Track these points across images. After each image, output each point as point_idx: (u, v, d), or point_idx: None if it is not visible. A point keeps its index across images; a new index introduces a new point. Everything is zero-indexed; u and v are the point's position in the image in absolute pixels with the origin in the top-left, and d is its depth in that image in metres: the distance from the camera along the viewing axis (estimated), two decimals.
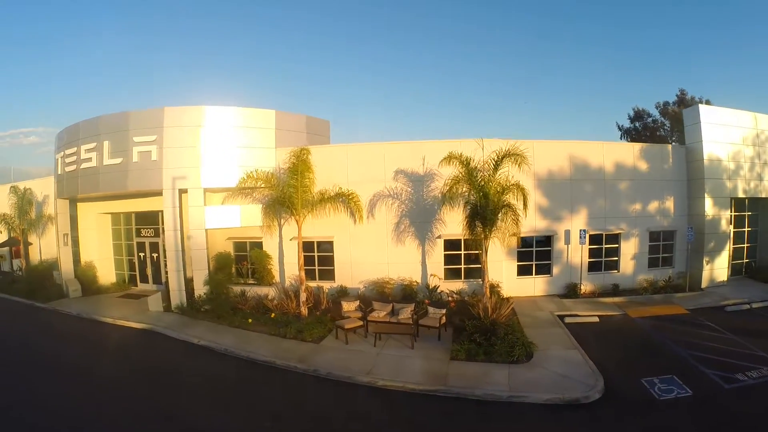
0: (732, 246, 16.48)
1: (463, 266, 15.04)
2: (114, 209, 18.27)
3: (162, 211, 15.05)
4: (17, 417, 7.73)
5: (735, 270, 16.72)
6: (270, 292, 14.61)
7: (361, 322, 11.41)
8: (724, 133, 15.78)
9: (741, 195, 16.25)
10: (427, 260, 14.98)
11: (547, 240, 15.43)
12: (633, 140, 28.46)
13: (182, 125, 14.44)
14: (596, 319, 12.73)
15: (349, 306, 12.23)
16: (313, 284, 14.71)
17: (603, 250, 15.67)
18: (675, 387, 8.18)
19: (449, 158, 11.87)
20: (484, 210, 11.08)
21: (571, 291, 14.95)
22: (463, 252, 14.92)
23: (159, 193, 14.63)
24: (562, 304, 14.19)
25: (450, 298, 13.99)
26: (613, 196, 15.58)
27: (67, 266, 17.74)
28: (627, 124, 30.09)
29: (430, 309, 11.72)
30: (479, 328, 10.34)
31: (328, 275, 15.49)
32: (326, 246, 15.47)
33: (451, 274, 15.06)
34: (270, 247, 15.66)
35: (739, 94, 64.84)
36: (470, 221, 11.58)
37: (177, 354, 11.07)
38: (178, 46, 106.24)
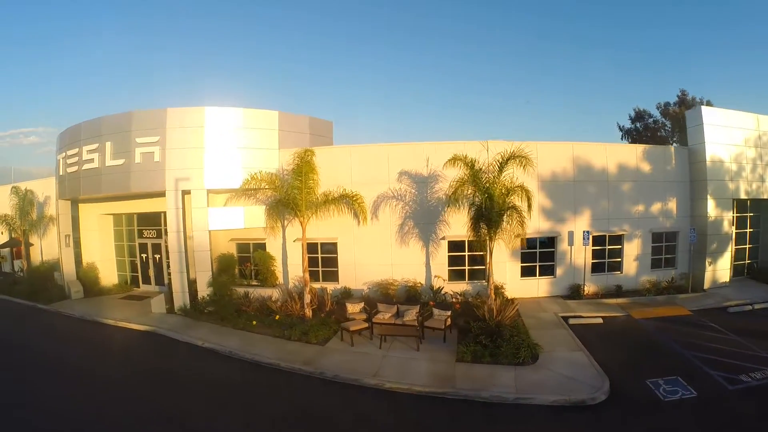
0: (734, 247, 16.54)
1: (467, 267, 15.06)
2: (116, 210, 18.23)
3: (164, 212, 15.02)
4: (20, 419, 7.73)
5: (737, 271, 16.79)
6: (273, 293, 14.60)
7: (366, 324, 11.42)
8: (726, 134, 15.83)
9: (743, 196, 16.29)
10: (431, 262, 14.99)
11: (550, 241, 15.45)
12: (634, 141, 28.51)
13: (185, 126, 14.41)
14: (600, 321, 12.76)
15: (353, 308, 12.23)
16: (316, 286, 14.70)
17: (606, 251, 15.70)
18: (680, 388, 8.22)
19: (454, 160, 11.88)
20: (490, 212, 11.08)
21: (574, 292, 14.98)
22: (467, 253, 14.93)
23: (161, 195, 14.60)
24: (566, 305, 14.22)
25: (454, 300, 13.99)
26: (616, 198, 15.61)
27: (69, 267, 17.70)
28: (628, 124, 30.14)
29: (436, 311, 11.73)
30: (485, 330, 10.36)
31: (332, 276, 15.49)
32: (329, 247, 15.46)
33: (455, 275, 15.08)
34: (273, 248, 15.65)
35: (740, 95, 65.06)
36: (475, 223, 11.58)
37: (181, 356, 11.05)
38: (178, 46, 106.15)
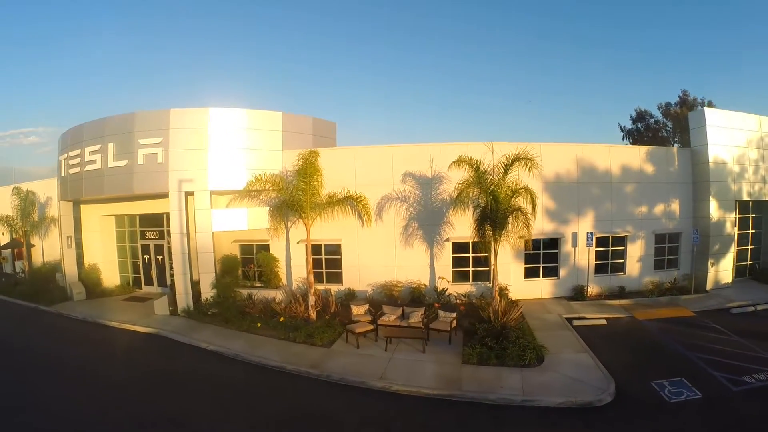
0: (736, 248, 16.58)
1: (470, 269, 15.08)
2: (118, 211, 18.19)
3: (167, 214, 15.00)
4: (22, 421, 7.71)
5: (739, 272, 16.84)
6: (277, 295, 14.58)
7: (371, 326, 11.41)
8: (728, 136, 15.87)
9: (745, 197, 16.34)
10: (435, 263, 14.99)
11: (554, 242, 15.47)
12: (635, 141, 28.55)
13: (188, 127, 14.38)
14: (604, 322, 12.79)
15: (358, 309, 12.22)
16: (320, 287, 14.68)
17: (609, 253, 15.73)
18: (684, 390, 8.26)
19: (459, 162, 11.89)
20: (495, 213, 11.10)
21: (578, 293, 15.00)
22: (471, 255, 14.95)
23: (164, 196, 14.58)
24: (570, 306, 14.24)
25: (459, 301, 14.01)
26: (620, 199, 15.64)
27: (70, 269, 17.66)
28: (629, 124, 30.18)
29: (441, 313, 11.73)
30: (490, 332, 10.38)
31: (336, 278, 15.49)
32: (333, 249, 15.45)
33: (459, 276, 15.10)
34: (277, 249, 15.63)
35: (741, 96, 65.06)
36: (480, 225, 11.60)
37: (185, 358, 11.00)
38: (178, 47, 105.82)
